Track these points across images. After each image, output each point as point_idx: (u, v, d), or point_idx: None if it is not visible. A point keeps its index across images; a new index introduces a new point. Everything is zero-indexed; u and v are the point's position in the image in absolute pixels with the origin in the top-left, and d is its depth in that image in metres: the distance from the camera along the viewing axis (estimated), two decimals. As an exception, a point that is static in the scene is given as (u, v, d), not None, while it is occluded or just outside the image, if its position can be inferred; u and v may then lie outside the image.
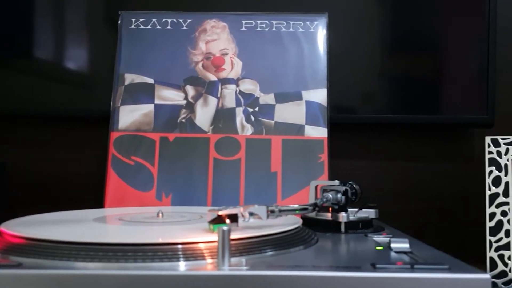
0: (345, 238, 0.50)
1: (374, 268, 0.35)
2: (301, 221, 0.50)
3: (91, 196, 0.77)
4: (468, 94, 0.76)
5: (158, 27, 0.74)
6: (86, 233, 0.44)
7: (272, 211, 0.43)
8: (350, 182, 0.60)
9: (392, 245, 0.43)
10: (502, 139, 0.61)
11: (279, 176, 0.68)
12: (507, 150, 0.60)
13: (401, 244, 0.43)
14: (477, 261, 0.66)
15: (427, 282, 0.34)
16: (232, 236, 0.40)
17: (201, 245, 0.39)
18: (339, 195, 0.55)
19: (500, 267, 0.58)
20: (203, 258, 0.38)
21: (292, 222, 0.48)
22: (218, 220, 0.41)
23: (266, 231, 0.42)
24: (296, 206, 0.48)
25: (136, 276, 0.34)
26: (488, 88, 0.74)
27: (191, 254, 0.38)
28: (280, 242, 0.43)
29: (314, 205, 0.50)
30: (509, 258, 0.58)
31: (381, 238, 0.49)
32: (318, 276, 0.34)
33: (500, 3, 0.78)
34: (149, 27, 0.74)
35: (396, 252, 0.42)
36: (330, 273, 0.34)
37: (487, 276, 0.34)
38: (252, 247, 0.41)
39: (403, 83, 0.78)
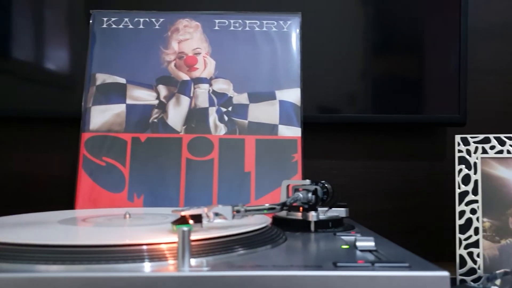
0: (314, 237, 0.50)
1: (335, 267, 0.35)
2: (269, 220, 0.50)
3: (65, 197, 0.76)
4: (441, 94, 0.77)
5: (130, 26, 0.73)
6: (49, 235, 0.44)
7: (238, 211, 0.43)
8: (322, 181, 0.60)
9: (358, 244, 0.43)
10: (471, 137, 0.62)
11: (252, 176, 0.68)
12: (476, 148, 0.61)
13: (366, 243, 0.43)
14: (448, 259, 0.67)
15: (387, 280, 0.34)
16: (196, 237, 0.39)
17: (163, 246, 0.39)
18: (309, 195, 0.55)
19: (469, 264, 0.59)
20: (166, 259, 0.38)
21: (260, 222, 0.48)
22: (182, 221, 0.40)
23: (232, 231, 0.42)
24: (264, 205, 0.47)
25: (94, 278, 0.34)
26: (460, 87, 0.75)
27: (153, 255, 0.38)
28: (246, 242, 0.43)
29: (283, 204, 0.50)
30: (478, 256, 0.59)
31: (349, 237, 0.49)
32: (278, 276, 0.33)
33: (472, 4, 0.79)
34: (121, 26, 0.73)
35: (361, 251, 0.42)
36: (290, 272, 0.34)
37: (445, 273, 0.34)
38: (216, 247, 0.40)
39: (377, 83, 0.79)
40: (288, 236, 0.49)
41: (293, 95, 0.70)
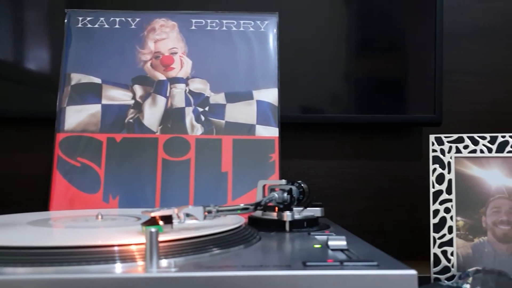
0: (288, 237, 0.50)
1: (304, 266, 0.35)
2: (243, 221, 0.50)
3: (40, 198, 0.75)
4: (417, 94, 0.78)
5: (106, 26, 0.72)
6: (17, 237, 0.43)
7: (209, 212, 0.42)
8: (299, 181, 0.60)
9: (330, 243, 0.43)
10: (445, 137, 0.62)
11: (229, 176, 0.68)
12: (450, 148, 0.61)
13: (338, 242, 0.43)
14: (424, 258, 0.67)
15: (356, 279, 0.34)
16: (166, 238, 0.39)
17: (133, 247, 0.38)
18: (285, 194, 0.55)
19: (444, 263, 0.59)
20: (135, 260, 0.37)
21: (233, 222, 0.47)
22: (151, 222, 0.40)
23: (203, 232, 0.42)
24: (237, 206, 0.47)
25: (60, 280, 0.33)
26: (436, 88, 0.75)
27: (124, 256, 0.37)
28: (218, 242, 0.42)
29: (257, 204, 0.50)
30: (452, 254, 0.59)
31: (322, 237, 0.49)
32: (246, 276, 0.33)
33: (448, 6, 0.80)
34: (96, 26, 0.72)
35: (333, 250, 0.42)
36: (259, 272, 0.34)
37: (413, 272, 0.34)
38: (187, 248, 0.40)
39: (355, 84, 0.79)
40: (262, 236, 0.49)
41: (271, 95, 0.70)
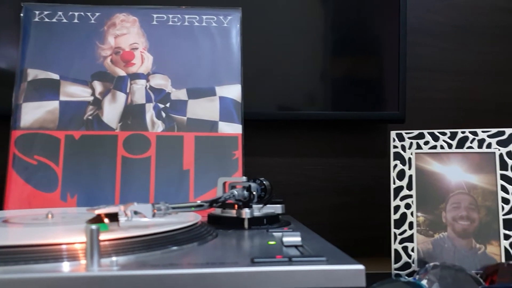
0: (246, 234, 0.49)
1: (252, 262, 0.34)
2: (199, 218, 0.49)
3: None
4: (382, 92, 0.78)
5: (64, 20, 0.70)
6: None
7: (159, 209, 0.41)
8: (261, 178, 0.59)
9: (284, 239, 0.42)
10: (406, 133, 0.62)
11: (191, 174, 0.66)
12: (411, 144, 0.62)
13: (292, 238, 0.42)
14: (389, 254, 0.67)
15: (303, 274, 0.33)
16: (112, 236, 0.38)
17: (77, 246, 0.37)
18: (245, 192, 0.55)
19: (404, 259, 0.59)
20: (78, 259, 0.36)
21: (188, 220, 0.46)
22: (96, 219, 0.38)
23: (153, 230, 0.41)
24: (190, 203, 0.46)
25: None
26: (400, 85, 0.76)
27: (69, 255, 0.36)
28: (169, 240, 0.41)
29: (213, 201, 0.49)
30: (412, 250, 0.59)
31: (279, 233, 0.48)
32: (189, 274, 0.32)
33: (412, 4, 0.80)
34: (54, 20, 0.70)
35: (287, 246, 0.41)
36: (202, 270, 0.33)
37: (361, 267, 0.34)
38: (136, 246, 0.39)
39: (319, 81, 0.79)
40: (220, 234, 0.48)
41: (234, 91, 0.69)
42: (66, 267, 0.34)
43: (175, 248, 0.41)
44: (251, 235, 0.48)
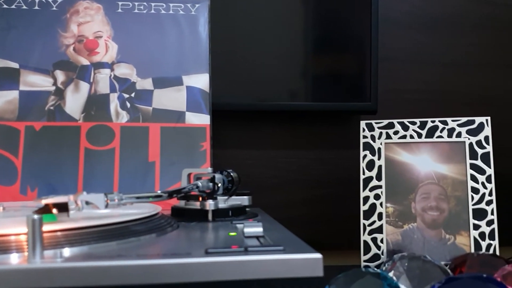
0: (208, 226, 0.47)
1: (205, 253, 0.33)
2: (159, 209, 0.47)
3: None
4: (354, 82, 0.77)
5: (24, 7, 0.67)
6: None
7: (112, 199, 0.39)
8: (228, 170, 0.58)
9: (245, 230, 0.41)
10: (376, 123, 0.61)
11: (157, 166, 0.64)
12: (381, 134, 0.60)
13: (253, 229, 0.41)
14: (359, 247, 0.66)
15: (260, 264, 0.32)
16: (58, 227, 0.36)
17: (22, 237, 0.35)
18: (210, 183, 0.53)
19: (373, 250, 0.58)
20: (23, 250, 0.34)
21: (147, 211, 0.45)
22: (44, 210, 0.36)
23: (106, 220, 0.39)
24: (148, 193, 0.44)
25: None
26: (371, 75, 0.75)
27: (17, 246, 0.34)
28: (125, 231, 0.39)
29: (174, 192, 0.47)
30: (381, 241, 0.58)
31: (242, 225, 0.47)
32: (136, 265, 0.30)
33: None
34: (13, 7, 0.67)
35: (248, 237, 0.40)
36: (151, 261, 0.31)
37: (318, 256, 0.32)
38: (91, 237, 0.37)
39: (291, 72, 0.77)
40: (182, 226, 0.47)
41: (202, 80, 0.67)
42: (12, 259, 0.32)
43: (132, 239, 0.39)
44: (214, 227, 0.47)
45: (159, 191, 0.46)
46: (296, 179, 0.81)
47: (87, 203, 0.38)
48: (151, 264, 0.31)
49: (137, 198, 0.42)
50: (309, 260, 0.32)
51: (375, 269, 0.46)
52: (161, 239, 0.40)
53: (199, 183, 0.52)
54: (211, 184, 0.53)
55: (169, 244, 0.38)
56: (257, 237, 0.40)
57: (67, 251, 0.34)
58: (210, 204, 0.51)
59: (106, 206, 0.39)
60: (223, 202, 0.54)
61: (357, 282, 0.42)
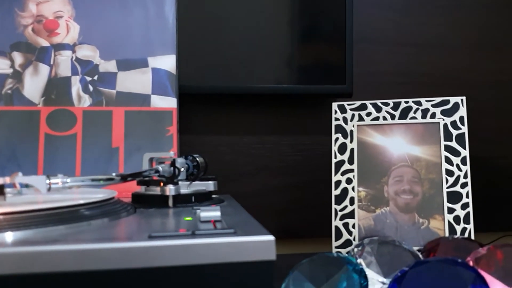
0: (167, 212, 0.45)
1: (148, 237, 0.30)
2: (115, 194, 0.44)
3: None
4: (328, 65, 0.74)
5: (-20, -15, 0.64)
6: None
7: (56, 183, 0.36)
8: (195, 155, 0.55)
9: (201, 214, 0.38)
10: (348, 104, 0.59)
11: (121, 152, 0.62)
12: (353, 116, 0.58)
13: (210, 213, 0.38)
14: (331, 233, 0.64)
15: (207, 248, 0.30)
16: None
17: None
18: (172, 168, 0.50)
19: (345, 236, 0.56)
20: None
21: (99, 196, 0.42)
22: (-22, 192, 0.33)
23: (54, 204, 0.36)
24: (98, 176, 0.41)
25: None
26: (346, 57, 0.72)
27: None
28: (73, 215, 0.37)
29: (129, 175, 0.45)
30: (353, 226, 0.56)
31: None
32: (72, 250, 0.28)
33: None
34: (-32, -16, 0.63)
35: (204, 222, 0.37)
36: (87, 246, 0.28)
37: (270, 238, 0.30)
38: (37, 220, 0.35)
39: (264, 54, 0.75)
40: (139, 212, 0.44)
41: (168, 62, 0.64)
42: None
43: (83, 224, 0.36)
44: (173, 213, 0.44)
45: (113, 174, 0.44)
46: (271, 166, 0.79)
47: (27, 186, 0.35)
48: (87, 249, 0.28)
49: (86, 181, 0.39)
50: (260, 243, 0.30)
51: (340, 253, 0.44)
52: (113, 224, 0.38)
53: (160, 168, 0.50)
54: (172, 168, 0.50)
55: (118, 229, 0.36)
56: (214, 222, 0.37)
57: (9, 236, 0.31)
58: (170, 189, 0.48)
59: (49, 190, 0.36)
60: (186, 187, 0.51)
61: (321, 267, 0.40)
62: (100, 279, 0.28)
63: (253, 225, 0.35)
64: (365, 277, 0.40)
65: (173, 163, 0.49)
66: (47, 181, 0.36)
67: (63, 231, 0.34)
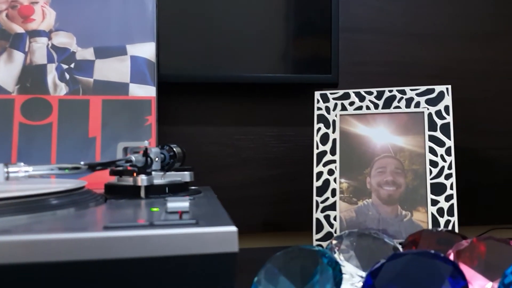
0: (137, 203, 0.43)
1: (103, 228, 0.29)
2: (84, 184, 0.43)
3: None
4: (313, 54, 0.72)
5: (-48, -31, 0.62)
6: None
7: (15, 171, 0.35)
8: (172, 145, 0.54)
9: (168, 205, 0.36)
10: (331, 93, 0.57)
11: (98, 142, 0.60)
12: (336, 105, 0.57)
13: (177, 204, 0.36)
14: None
15: (165, 239, 0.28)
16: None
17: None
18: (144, 157, 0.49)
19: (326, 228, 0.54)
20: None
21: (71, 185, 0.40)
22: None
23: (17, 193, 0.35)
24: (62, 165, 0.40)
25: None
26: (332, 46, 0.71)
27: None
28: (37, 205, 0.35)
29: (97, 164, 0.43)
30: (335, 219, 0.55)
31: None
32: (19, 241, 0.26)
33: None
34: None
35: (170, 213, 0.36)
36: (37, 236, 0.27)
37: (233, 228, 0.28)
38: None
39: (248, 43, 0.73)
40: (110, 203, 0.42)
41: (147, 50, 0.63)
42: None
43: (47, 213, 0.35)
44: (144, 204, 0.43)
45: (82, 163, 0.42)
46: (254, 157, 0.77)
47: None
48: (36, 239, 0.27)
49: (51, 169, 0.38)
50: (221, 234, 0.28)
51: (314, 246, 0.43)
52: (78, 214, 0.36)
53: (132, 157, 0.48)
54: (145, 158, 0.48)
55: (79, 220, 0.34)
56: (181, 213, 0.36)
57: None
58: (142, 180, 0.46)
59: (7, 178, 0.34)
60: (160, 178, 0.49)
61: (295, 259, 0.39)
62: (54, 270, 0.27)
63: (220, 216, 0.34)
64: (339, 271, 0.39)
65: (145, 153, 0.47)
66: (5, 169, 0.34)
67: (23, 221, 0.32)
